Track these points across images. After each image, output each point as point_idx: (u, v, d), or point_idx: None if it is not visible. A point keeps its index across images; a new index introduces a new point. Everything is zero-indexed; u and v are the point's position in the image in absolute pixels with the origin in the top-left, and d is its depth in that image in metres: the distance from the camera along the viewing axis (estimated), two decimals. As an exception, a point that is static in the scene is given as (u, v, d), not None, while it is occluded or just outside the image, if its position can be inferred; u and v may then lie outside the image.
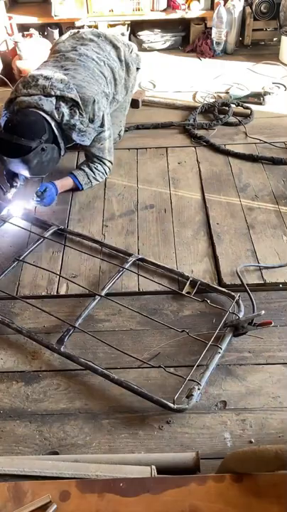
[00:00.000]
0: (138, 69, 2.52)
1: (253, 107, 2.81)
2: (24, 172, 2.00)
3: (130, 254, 1.90)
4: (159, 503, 0.99)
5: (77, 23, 3.37)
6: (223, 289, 1.75)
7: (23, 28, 3.33)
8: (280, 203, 2.17)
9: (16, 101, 2.07)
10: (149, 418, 1.41)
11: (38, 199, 2.10)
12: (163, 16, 3.42)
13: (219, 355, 1.52)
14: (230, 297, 1.72)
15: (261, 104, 2.87)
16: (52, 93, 2.01)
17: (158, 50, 3.57)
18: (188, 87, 3.07)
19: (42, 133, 1.97)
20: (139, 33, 3.52)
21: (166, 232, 2.03)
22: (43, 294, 1.80)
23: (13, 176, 2.09)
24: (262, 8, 3.41)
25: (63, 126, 2.05)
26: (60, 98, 2.02)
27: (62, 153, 2.14)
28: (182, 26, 3.58)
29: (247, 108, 2.80)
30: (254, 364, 1.54)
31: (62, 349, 1.56)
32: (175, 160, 2.48)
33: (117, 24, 3.44)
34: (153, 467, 1.22)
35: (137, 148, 2.53)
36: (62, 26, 3.42)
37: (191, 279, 1.78)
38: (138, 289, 1.80)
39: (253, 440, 1.36)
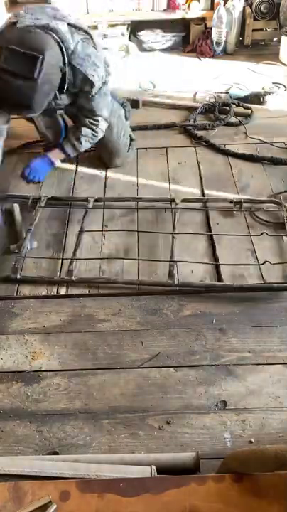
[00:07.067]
0: None
1: (253, 107, 2.81)
2: (27, 100, 1.77)
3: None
4: (159, 503, 0.99)
5: (77, 23, 3.37)
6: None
7: (23, 28, 3.33)
8: (280, 203, 2.17)
9: (20, 19, 1.77)
10: (149, 418, 1.41)
11: (30, 178, 2.17)
12: (163, 15, 3.42)
13: None
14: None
15: (261, 104, 2.87)
16: (66, 20, 1.83)
17: (158, 50, 3.57)
18: (188, 87, 3.07)
19: (57, 56, 1.76)
20: (139, 33, 3.52)
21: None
22: (43, 293, 1.80)
23: None
24: (262, 8, 3.40)
25: (75, 57, 1.85)
26: (73, 26, 1.84)
27: (60, 98, 1.98)
28: (182, 26, 3.58)
29: (247, 108, 2.80)
30: (254, 364, 1.54)
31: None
32: (175, 160, 2.48)
33: (117, 24, 3.44)
34: (153, 467, 1.22)
35: (137, 149, 2.53)
36: (62, 26, 3.42)
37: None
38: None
39: (253, 440, 1.36)
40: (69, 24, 1.86)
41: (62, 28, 1.82)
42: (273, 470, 0.96)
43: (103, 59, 2.00)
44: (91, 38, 1.92)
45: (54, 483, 1.07)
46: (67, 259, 1.92)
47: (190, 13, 3.42)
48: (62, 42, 1.81)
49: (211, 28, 3.38)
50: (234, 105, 2.79)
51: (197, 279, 1.82)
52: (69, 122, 2.33)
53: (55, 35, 1.79)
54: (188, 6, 3.40)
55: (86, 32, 1.91)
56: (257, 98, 2.89)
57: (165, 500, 1.00)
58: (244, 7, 3.38)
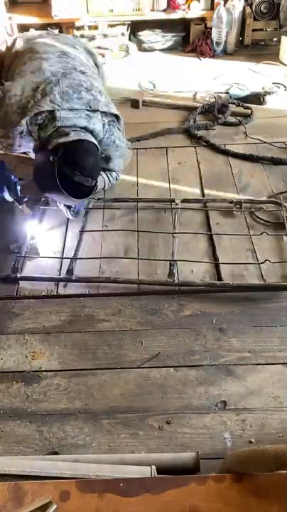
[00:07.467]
0: None
1: (253, 106, 2.81)
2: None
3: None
4: (159, 503, 0.99)
5: (77, 23, 3.37)
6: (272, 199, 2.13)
7: (23, 28, 3.33)
8: (280, 203, 2.17)
9: (60, 116, 1.77)
10: (149, 418, 1.41)
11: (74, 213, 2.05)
12: (163, 15, 3.42)
13: None
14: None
15: (261, 104, 2.87)
16: (99, 109, 1.85)
17: (158, 50, 3.57)
18: (188, 87, 3.07)
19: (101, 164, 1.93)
20: (139, 33, 3.52)
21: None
22: (43, 293, 1.80)
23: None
24: (262, 8, 3.40)
25: (102, 144, 1.93)
26: (103, 113, 1.88)
27: None
28: (182, 26, 3.58)
29: (247, 108, 2.80)
30: (254, 364, 1.54)
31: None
32: (175, 160, 2.48)
33: (117, 24, 3.44)
34: (153, 467, 1.22)
35: (137, 149, 2.53)
36: (62, 26, 3.42)
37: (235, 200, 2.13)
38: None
39: (253, 440, 1.36)
40: (101, 112, 1.88)
41: (98, 126, 1.87)
42: (273, 470, 0.96)
43: (124, 140, 2.08)
44: (118, 120, 1.96)
45: (54, 483, 1.07)
46: (67, 258, 1.92)
47: (190, 13, 3.42)
48: (97, 142, 1.88)
49: (211, 28, 3.38)
50: (233, 105, 2.79)
51: (197, 279, 1.82)
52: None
53: (93, 139, 1.84)
54: (188, 6, 3.40)
55: (115, 115, 1.94)
56: (257, 98, 2.89)
57: (165, 500, 1.00)
58: (244, 7, 3.38)
